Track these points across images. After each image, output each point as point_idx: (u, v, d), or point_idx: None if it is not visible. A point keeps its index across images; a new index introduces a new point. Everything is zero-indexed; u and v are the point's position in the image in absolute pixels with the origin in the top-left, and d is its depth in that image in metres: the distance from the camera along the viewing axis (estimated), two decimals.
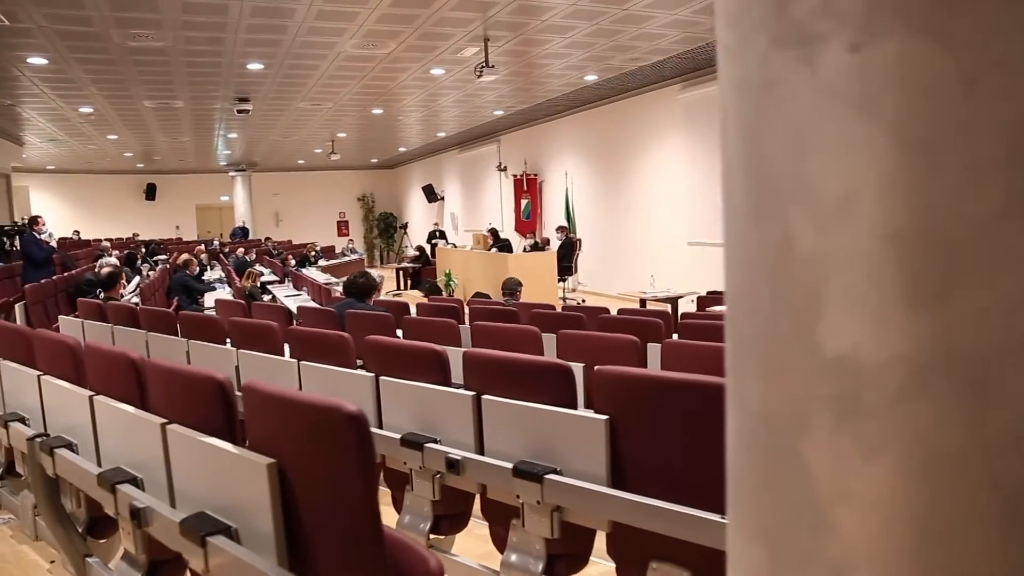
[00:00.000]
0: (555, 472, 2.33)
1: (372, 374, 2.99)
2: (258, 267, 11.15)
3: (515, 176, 16.15)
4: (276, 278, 12.58)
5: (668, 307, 9.78)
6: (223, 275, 12.63)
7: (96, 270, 8.47)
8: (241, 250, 15.55)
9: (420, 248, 17.79)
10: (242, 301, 6.05)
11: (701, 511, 1.99)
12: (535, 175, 15.83)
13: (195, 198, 23.07)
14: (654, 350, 3.68)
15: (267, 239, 20.14)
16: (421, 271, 16.85)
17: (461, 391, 2.62)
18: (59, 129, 13.58)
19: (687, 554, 2.16)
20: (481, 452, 2.60)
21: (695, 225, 11.48)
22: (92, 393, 2.38)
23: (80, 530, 2.74)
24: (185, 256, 11.85)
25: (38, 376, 2.75)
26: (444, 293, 14.24)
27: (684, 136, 11.54)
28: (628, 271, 12.95)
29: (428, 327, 4.11)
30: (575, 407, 2.50)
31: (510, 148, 17.16)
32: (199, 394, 1.93)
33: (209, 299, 9.49)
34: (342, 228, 24.93)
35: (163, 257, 16.12)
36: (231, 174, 21.34)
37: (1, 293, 9.26)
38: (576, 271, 13.42)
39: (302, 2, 6.87)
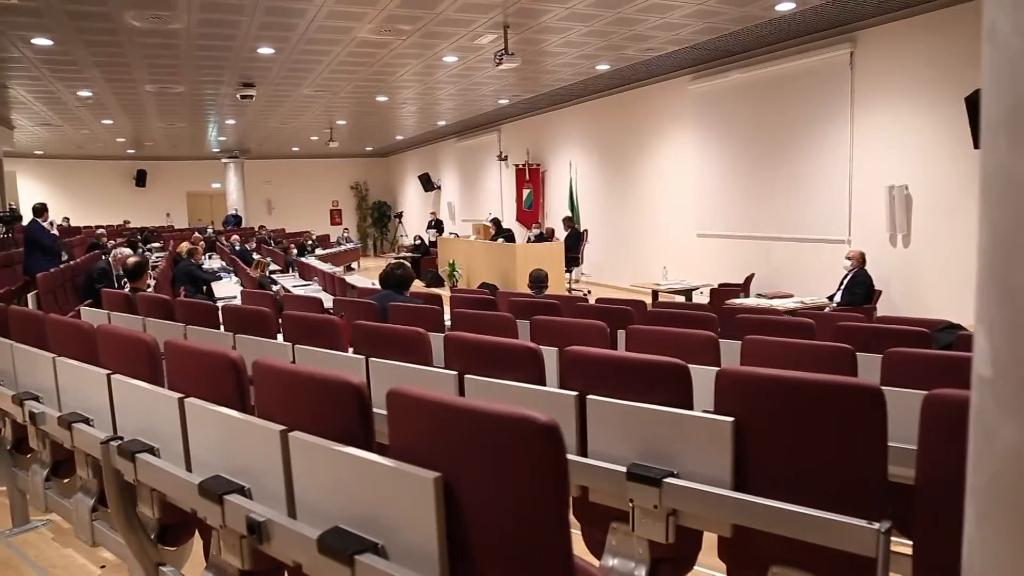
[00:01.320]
0: (672, 475, 2.22)
1: (455, 372, 2.87)
2: (259, 257, 10.93)
3: (517, 166, 15.99)
4: (279, 268, 12.37)
5: (682, 298, 9.72)
6: (224, 264, 12.39)
7: (111, 258, 8.24)
8: (237, 238, 15.28)
9: (419, 238, 17.60)
10: (269, 292, 5.87)
11: (849, 517, 1.90)
12: (538, 165, 15.68)
13: (186, 185, 22.69)
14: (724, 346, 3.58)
15: (261, 227, 19.85)
16: (420, 261, 16.67)
17: (563, 391, 2.51)
18: (54, 113, 13.24)
19: (812, 559, 2.08)
20: (583, 454, 2.50)
21: (704, 217, 11.41)
22: (181, 395, 2.23)
23: (151, 537, 2.61)
24: (187, 245, 11.62)
25: (108, 375, 2.59)
26: (447, 283, 14.10)
27: (694, 127, 11.45)
28: (634, 263, 12.87)
29: (483, 321, 3.98)
30: (691, 407, 2.41)
31: (511, 137, 16.99)
32: (329, 400, 1.80)
33: (218, 288, 9.30)
34: (335, 216, 24.65)
35: (157, 245, 15.84)
36: (224, 161, 20.99)
37: (1, 282, 9.00)
38: (582, 262, 13.32)
39: None
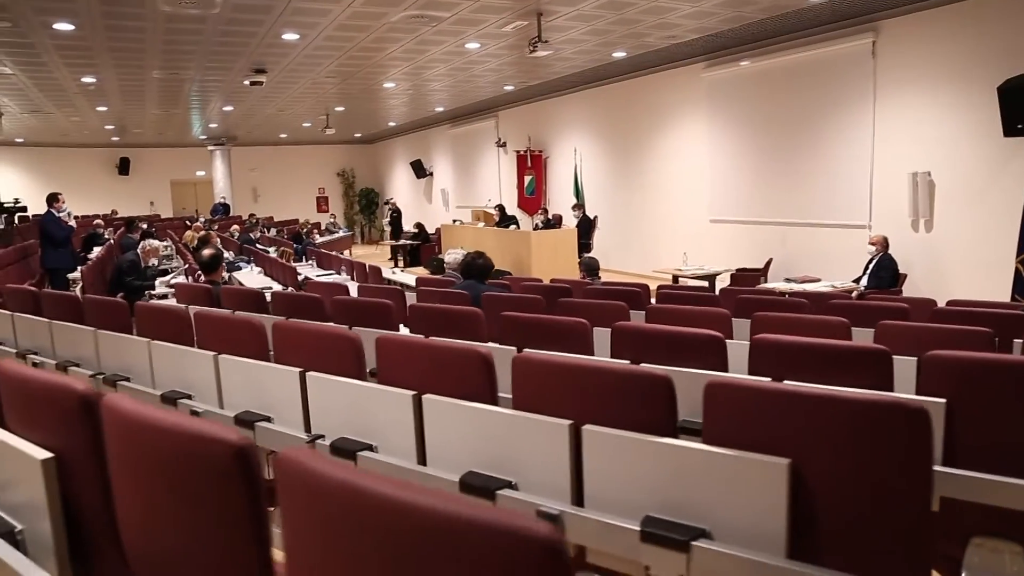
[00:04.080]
0: None
1: (627, 362, 2.91)
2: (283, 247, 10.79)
3: (518, 152, 15.97)
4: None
5: (705, 283, 9.83)
6: (232, 253, 12.19)
7: (140, 250, 8.08)
8: (237, 227, 15.04)
9: (419, 225, 17.52)
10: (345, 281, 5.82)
11: None
12: (540, 151, 15.69)
13: (170, 173, 22.20)
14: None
15: (251, 216, 19.53)
16: (420, 248, 16.61)
17: (759, 377, 2.57)
18: (49, 99, 12.85)
19: (1015, 528, 2.18)
20: None
21: (718, 203, 11.56)
22: (415, 392, 2.22)
23: None
24: (192, 234, 11.45)
25: (301, 373, 2.55)
26: None
27: (707, 114, 11.56)
28: (642, 248, 13.00)
29: (596, 309, 4.02)
30: (892, 389, 2.50)
31: (509, 123, 16.96)
32: (631, 393, 1.84)
33: (244, 278, 9.17)
34: (321, 204, 24.37)
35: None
36: (210, 148, 20.59)
37: (14, 277, 8.78)
38: (592, 249, 13.39)
39: None
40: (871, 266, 8.48)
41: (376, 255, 19.64)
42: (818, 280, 8.81)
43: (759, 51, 10.45)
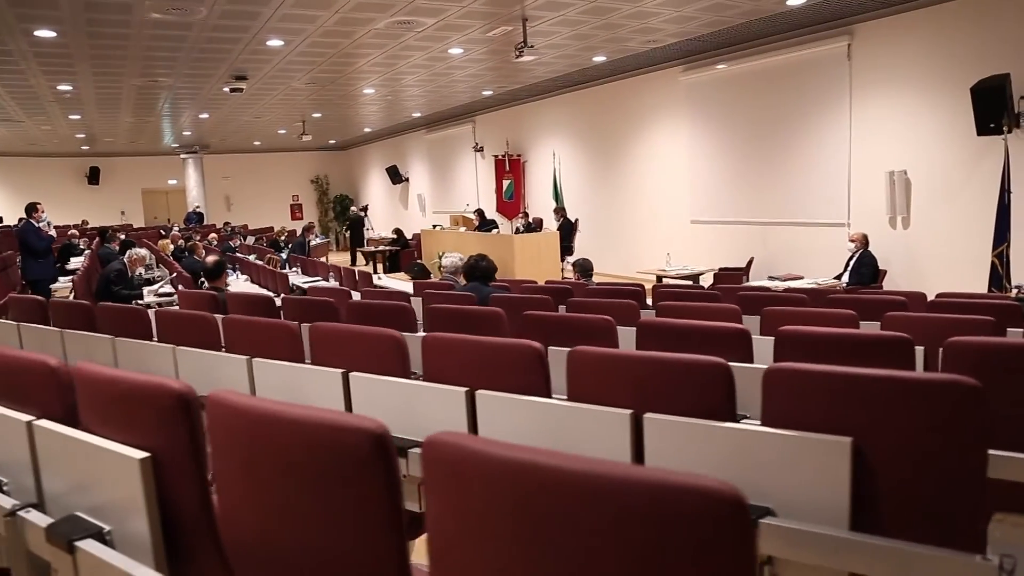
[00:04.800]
0: None
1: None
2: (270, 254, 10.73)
3: (496, 157, 16.05)
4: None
5: (691, 283, 9.99)
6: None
7: (126, 259, 7.99)
8: (215, 236, 14.90)
9: (398, 231, 17.50)
10: (341, 287, 5.83)
11: None
12: (518, 155, 15.78)
13: (141, 182, 21.88)
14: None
15: (226, 224, 19.36)
16: (400, 254, 16.59)
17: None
18: (22, 108, 12.62)
19: None
20: None
21: (699, 204, 11.75)
22: (468, 389, 2.28)
23: None
24: (169, 243, 11.33)
25: (343, 374, 2.59)
26: (434, 276, 14.08)
27: (687, 117, 11.75)
28: (626, 251, 13.14)
29: (607, 308, 4.11)
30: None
31: (486, 128, 17.03)
32: (689, 381, 1.92)
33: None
34: (295, 211, 24.20)
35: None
36: (182, 156, 20.35)
37: None
38: (574, 252, 13.51)
39: None
40: (852, 263, 8.71)
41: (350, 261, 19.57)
42: (801, 278, 9.01)
43: (736, 55, 10.66)
